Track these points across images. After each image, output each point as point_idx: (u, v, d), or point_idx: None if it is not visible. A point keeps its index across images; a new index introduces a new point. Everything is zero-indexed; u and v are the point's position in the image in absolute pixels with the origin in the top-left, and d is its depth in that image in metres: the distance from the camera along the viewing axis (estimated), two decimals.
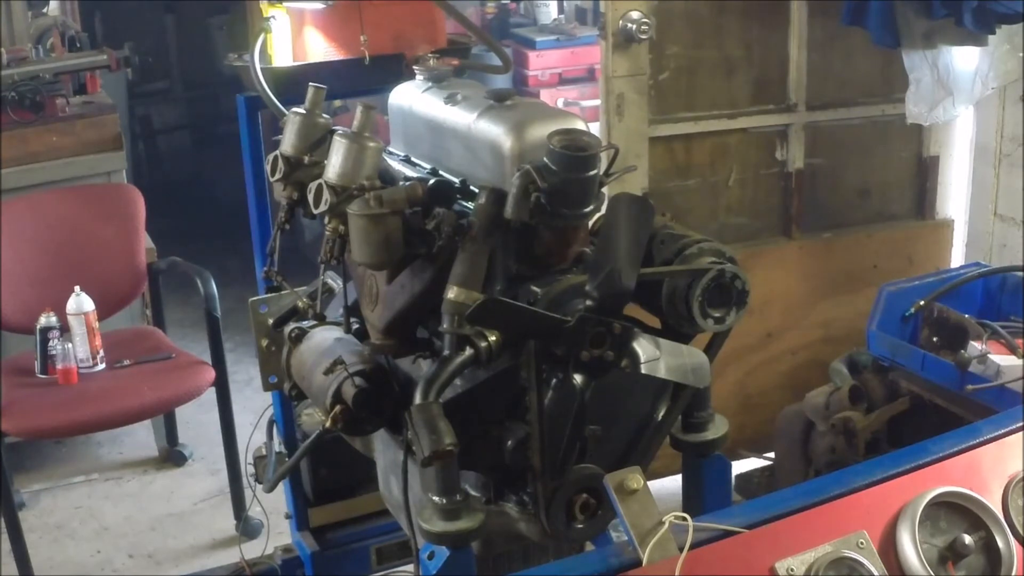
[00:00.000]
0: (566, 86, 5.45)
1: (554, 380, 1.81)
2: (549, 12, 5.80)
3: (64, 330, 3.63)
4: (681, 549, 1.46)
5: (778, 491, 1.69)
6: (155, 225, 4.12)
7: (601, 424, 1.87)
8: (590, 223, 1.92)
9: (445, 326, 1.83)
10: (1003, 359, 2.88)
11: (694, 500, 2.11)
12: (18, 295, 3.78)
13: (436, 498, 1.79)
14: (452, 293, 1.83)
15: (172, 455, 4.26)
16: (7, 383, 3.55)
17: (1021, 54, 3.36)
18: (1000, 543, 1.57)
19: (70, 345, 3.60)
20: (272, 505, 3.09)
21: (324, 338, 2.23)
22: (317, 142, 2.21)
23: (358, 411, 2.00)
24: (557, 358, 1.77)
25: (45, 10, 5.20)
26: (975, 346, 2.95)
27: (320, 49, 2.75)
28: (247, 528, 3.49)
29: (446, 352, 1.81)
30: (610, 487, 1.53)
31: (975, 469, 1.65)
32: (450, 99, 2.11)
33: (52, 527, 3.87)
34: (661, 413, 1.99)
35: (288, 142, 2.23)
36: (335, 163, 2.02)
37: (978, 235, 3.79)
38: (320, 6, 2.73)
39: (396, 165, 2.22)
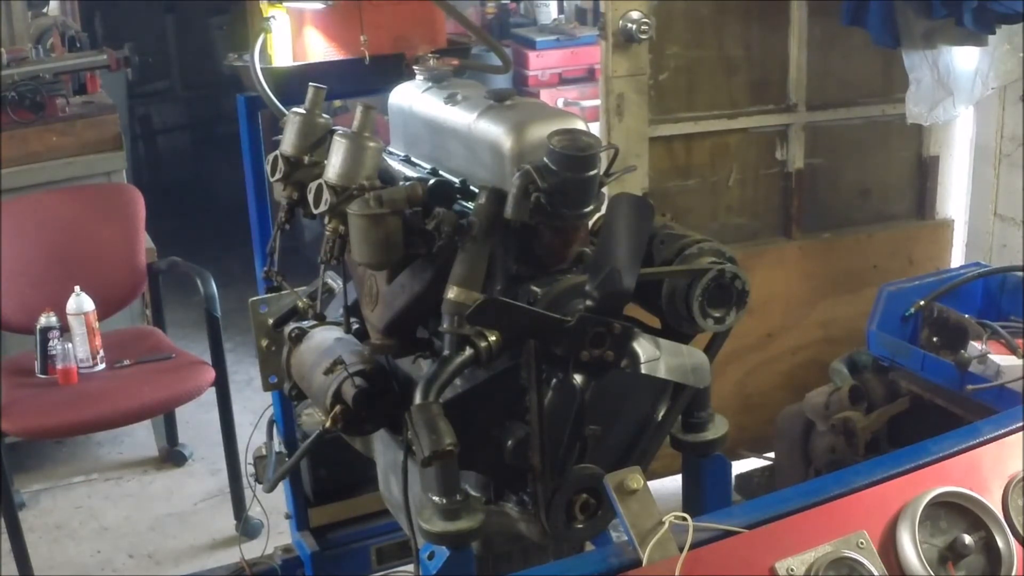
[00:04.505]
0: (566, 86, 5.44)
1: (554, 380, 1.81)
2: (549, 12, 5.79)
3: (64, 330, 3.63)
4: (681, 549, 1.46)
5: (778, 491, 1.69)
6: (155, 225, 4.12)
7: (601, 424, 1.87)
8: (590, 223, 1.92)
9: (445, 326, 1.83)
10: (1003, 359, 2.88)
11: (694, 500, 2.11)
12: (18, 295, 3.78)
13: (436, 498, 1.79)
14: (452, 293, 1.83)
15: (172, 455, 4.26)
16: (7, 383, 3.55)
17: (1021, 54, 3.36)
18: (1000, 543, 1.57)
19: (70, 345, 3.60)
20: (272, 505, 3.09)
21: (324, 338, 2.23)
22: (317, 142, 2.21)
23: (358, 411, 2.00)
24: (557, 358, 1.77)
25: (45, 10, 5.20)
26: (975, 346, 2.95)
27: (320, 49, 2.75)
28: (247, 528, 3.49)
29: (446, 352, 1.81)
30: (610, 487, 1.53)
31: (975, 469, 1.65)
32: (450, 99, 2.11)
33: (52, 527, 3.87)
34: (661, 413, 1.99)
35: (288, 142, 2.23)
36: (335, 163, 2.02)
37: (978, 235, 3.79)
38: (320, 6, 2.73)
39: (396, 165, 2.22)
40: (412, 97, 2.25)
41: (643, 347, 1.75)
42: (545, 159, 1.80)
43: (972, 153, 3.80)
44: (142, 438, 4.37)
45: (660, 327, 1.95)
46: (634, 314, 1.89)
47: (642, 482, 1.53)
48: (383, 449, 2.22)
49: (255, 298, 2.51)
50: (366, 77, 2.73)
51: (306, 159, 2.21)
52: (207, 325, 3.71)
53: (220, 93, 7.34)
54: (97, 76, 4.55)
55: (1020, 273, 3.24)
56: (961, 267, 3.51)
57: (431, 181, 1.97)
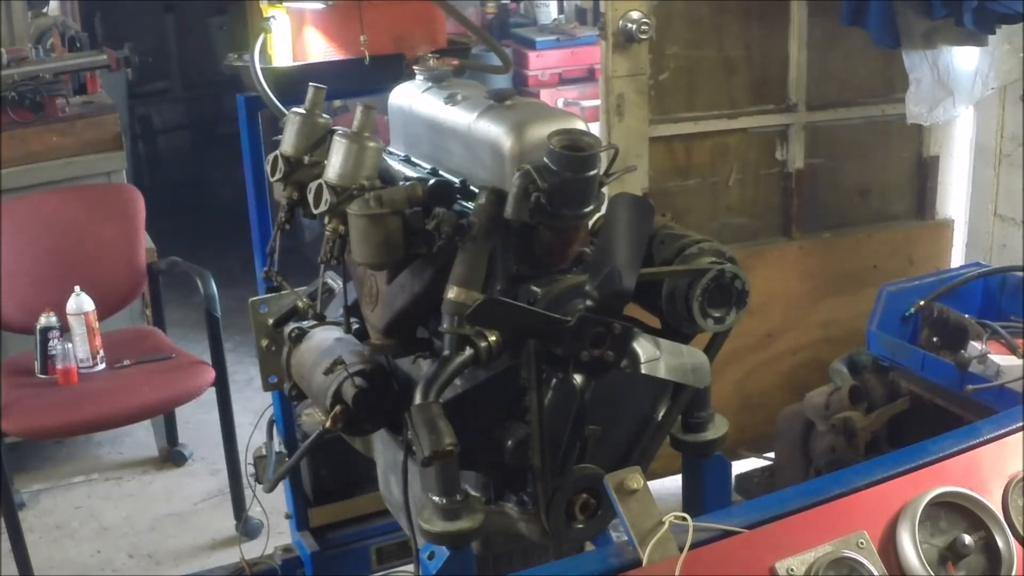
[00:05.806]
0: (566, 86, 5.44)
1: (554, 380, 1.81)
2: (549, 12, 5.79)
3: (64, 330, 3.62)
4: (681, 549, 1.46)
5: (778, 491, 1.69)
6: (155, 225, 4.12)
7: (601, 424, 1.87)
8: (590, 223, 1.92)
9: (445, 326, 1.83)
10: (1003, 359, 2.88)
11: (694, 500, 2.11)
12: (18, 295, 3.78)
13: (436, 498, 1.79)
14: (452, 293, 1.83)
15: (172, 455, 4.26)
16: (7, 383, 3.55)
17: (1021, 54, 3.36)
18: (1000, 543, 1.57)
19: (70, 345, 3.59)
20: (272, 505, 3.09)
21: (324, 338, 2.23)
22: (317, 142, 2.21)
23: (358, 411, 2.00)
24: (557, 358, 1.77)
25: (45, 10, 5.20)
26: (975, 346, 2.95)
27: (320, 49, 2.75)
28: (247, 528, 3.49)
29: (446, 352, 1.81)
30: (610, 487, 1.53)
31: (975, 469, 1.65)
32: (450, 99, 2.11)
33: (52, 527, 3.87)
34: (661, 413, 1.99)
35: (288, 142, 2.23)
36: (335, 163, 2.02)
37: (978, 235, 3.79)
38: (320, 6, 2.73)
39: (396, 165, 2.22)
40: (412, 97, 2.25)
41: (643, 347, 1.75)
42: (545, 159, 1.80)
43: (972, 153, 3.80)
44: (142, 438, 4.37)
45: (660, 327, 1.95)
46: (634, 314, 1.89)
47: (642, 482, 1.53)
48: (383, 449, 2.22)
49: (255, 298, 2.51)
50: (366, 77, 2.73)
51: (306, 159, 2.21)
52: (207, 325, 3.71)
53: (220, 93, 7.33)
54: (97, 76, 4.55)
55: (1020, 273, 3.24)
56: (961, 267, 3.51)
57: (431, 181, 1.97)
